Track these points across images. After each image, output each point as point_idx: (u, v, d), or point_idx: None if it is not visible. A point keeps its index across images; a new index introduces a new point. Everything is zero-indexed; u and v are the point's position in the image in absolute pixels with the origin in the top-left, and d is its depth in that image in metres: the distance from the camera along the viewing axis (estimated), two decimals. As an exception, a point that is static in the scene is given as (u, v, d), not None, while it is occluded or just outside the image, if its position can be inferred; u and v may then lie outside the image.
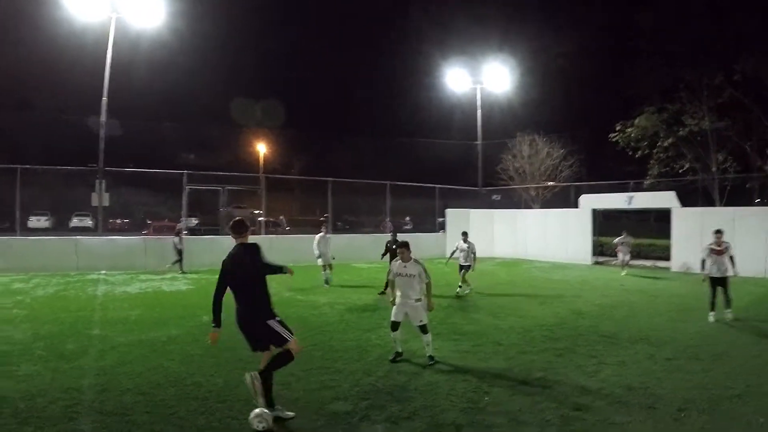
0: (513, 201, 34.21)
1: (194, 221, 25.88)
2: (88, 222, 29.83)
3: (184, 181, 23.53)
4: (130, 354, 8.57)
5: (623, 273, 20.70)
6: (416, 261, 8.19)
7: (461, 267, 15.57)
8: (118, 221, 32.58)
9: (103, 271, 19.55)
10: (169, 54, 34.41)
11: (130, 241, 22.79)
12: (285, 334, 5.92)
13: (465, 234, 16.17)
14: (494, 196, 35.32)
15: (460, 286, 15.41)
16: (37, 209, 32.14)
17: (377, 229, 27.44)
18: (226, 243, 6.31)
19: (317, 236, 17.39)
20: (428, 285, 8.15)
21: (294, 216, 39.35)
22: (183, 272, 19.63)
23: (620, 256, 21.46)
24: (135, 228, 32.62)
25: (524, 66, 36.42)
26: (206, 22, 51.09)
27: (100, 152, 22.87)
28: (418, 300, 8.07)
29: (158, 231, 28.00)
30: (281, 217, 36.93)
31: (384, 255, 15.65)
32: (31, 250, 20.17)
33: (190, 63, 54.38)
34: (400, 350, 8.33)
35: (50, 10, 24.07)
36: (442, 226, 29.49)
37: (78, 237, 22.66)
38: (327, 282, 16.84)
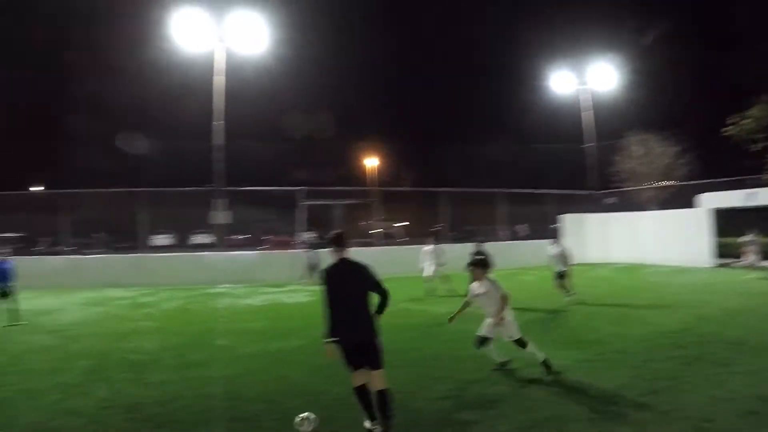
0: (628, 203, 32.55)
1: (313, 235, 26.47)
2: (209, 239, 31.25)
3: (299, 197, 24.16)
4: (255, 364, 8.72)
5: (753, 276, 18.81)
6: (489, 279, 7.75)
7: (557, 274, 14.74)
8: (238, 237, 33.81)
9: (226, 285, 20.36)
10: (273, 75, 35.61)
11: (250, 256, 23.81)
12: (383, 357, 5.66)
13: (555, 238, 15.37)
14: (608, 200, 33.82)
15: (565, 295, 14.47)
16: (160, 228, 34.05)
17: (491, 237, 26.80)
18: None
19: (428, 249, 17.18)
20: (503, 298, 7.56)
21: (408, 227, 39.36)
22: (305, 284, 19.50)
23: (748, 256, 19.66)
24: (252, 243, 33.82)
25: (629, 64, 35.02)
26: (309, 37, 52.45)
27: (216, 173, 24.00)
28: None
29: (277, 245, 28.80)
30: (396, 228, 36.91)
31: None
32: (157, 266, 21.53)
33: (295, 82, 55.88)
34: (497, 359, 7.84)
35: (160, 43, 26.17)
36: (556, 233, 28.55)
37: (201, 253, 23.92)
38: (437, 292, 16.51)
